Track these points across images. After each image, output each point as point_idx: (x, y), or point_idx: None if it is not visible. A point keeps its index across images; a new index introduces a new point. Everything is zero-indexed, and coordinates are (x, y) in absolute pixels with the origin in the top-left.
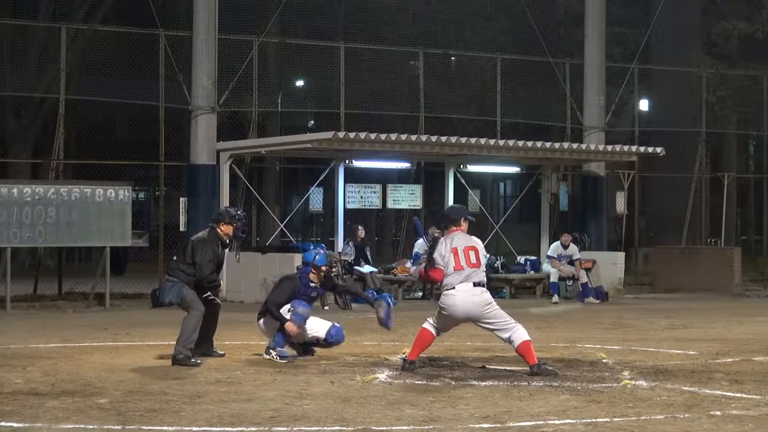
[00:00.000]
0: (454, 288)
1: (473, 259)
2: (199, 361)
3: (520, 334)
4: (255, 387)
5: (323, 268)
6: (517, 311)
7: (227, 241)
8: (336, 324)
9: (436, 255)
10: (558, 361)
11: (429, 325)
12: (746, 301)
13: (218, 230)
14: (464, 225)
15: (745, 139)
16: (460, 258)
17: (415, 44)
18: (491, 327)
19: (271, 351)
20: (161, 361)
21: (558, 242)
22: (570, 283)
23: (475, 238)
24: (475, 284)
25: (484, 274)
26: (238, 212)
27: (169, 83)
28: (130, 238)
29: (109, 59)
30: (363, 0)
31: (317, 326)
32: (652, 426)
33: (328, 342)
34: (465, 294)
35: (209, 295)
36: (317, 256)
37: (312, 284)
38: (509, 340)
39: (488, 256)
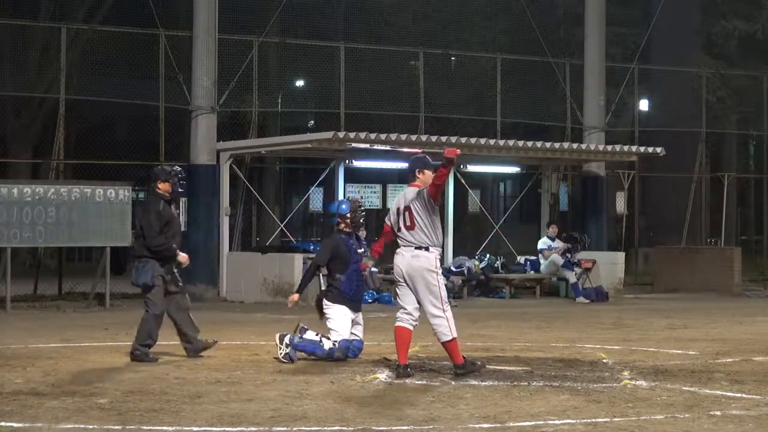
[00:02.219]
0: (400, 247)
1: (407, 221)
2: (156, 358)
3: (446, 330)
4: (255, 387)
5: (348, 215)
6: (515, 311)
7: (169, 197)
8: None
9: (389, 214)
10: (558, 361)
11: (400, 321)
12: (746, 301)
13: (157, 190)
14: (420, 177)
15: (745, 139)
16: (400, 220)
17: (415, 44)
18: (424, 300)
19: (287, 344)
20: (161, 361)
21: (545, 236)
22: (567, 256)
23: (414, 195)
24: (417, 247)
25: (426, 235)
26: (174, 167)
27: (169, 83)
28: (130, 238)
29: (109, 59)
30: (363, 0)
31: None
32: (652, 426)
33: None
34: (406, 255)
35: (173, 290)
36: (341, 205)
37: (351, 238)
38: (434, 330)
39: (488, 255)
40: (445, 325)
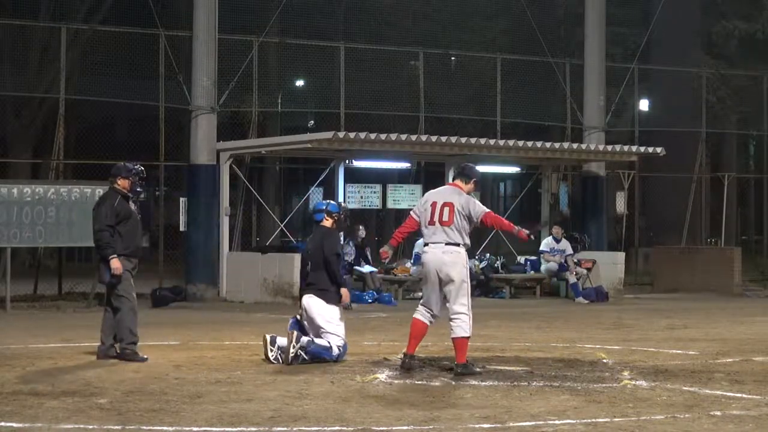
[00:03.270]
0: (427, 245)
1: (445, 216)
2: (146, 357)
3: (465, 326)
4: (255, 387)
5: (335, 214)
6: (515, 311)
7: (128, 194)
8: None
9: (416, 205)
10: (558, 361)
11: (419, 314)
12: (746, 301)
13: (116, 185)
14: (465, 186)
15: (745, 139)
16: (435, 213)
17: (415, 44)
18: (450, 295)
19: (302, 346)
20: (161, 361)
21: (550, 237)
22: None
23: (459, 194)
24: (448, 243)
25: (459, 234)
26: (135, 166)
27: (169, 83)
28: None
29: (109, 59)
30: (363, 0)
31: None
32: (652, 426)
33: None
34: (437, 251)
35: (117, 291)
36: (329, 206)
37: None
38: (452, 323)
39: (488, 255)
40: (466, 321)
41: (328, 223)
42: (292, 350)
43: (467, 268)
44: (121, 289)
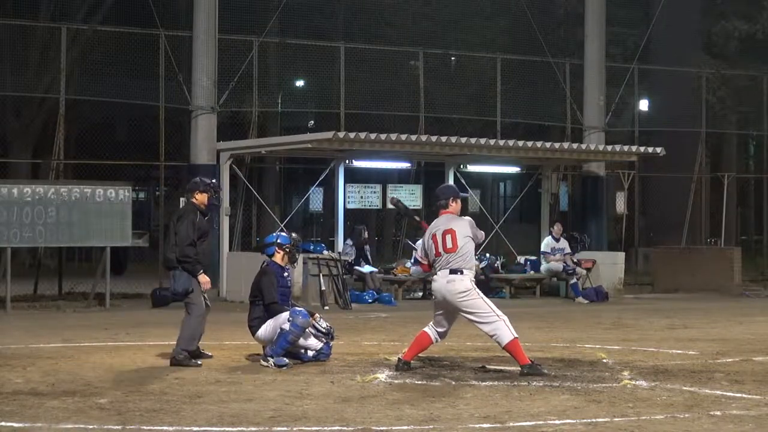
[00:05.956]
0: (436, 274)
1: (449, 244)
2: (199, 362)
3: (504, 332)
4: (255, 387)
5: (286, 246)
6: (515, 311)
7: (205, 210)
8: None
9: (419, 248)
10: (558, 361)
11: (429, 328)
12: (746, 301)
13: (193, 200)
14: (453, 206)
15: (745, 139)
16: (438, 244)
17: (415, 44)
18: (471, 318)
19: (269, 359)
20: (161, 361)
21: (549, 237)
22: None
23: (457, 219)
24: (452, 271)
25: (463, 258)
26: (212, 180)
27: (169, 83)
28: (130, 238)
29: (109, 59)
30: (363, 0)
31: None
32: (652, 426)
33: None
34: (442, 280)
35: (189, 299)
36: (279, 238)
37: (283, 269)
38: (493, 337)
39: (488, 255)
40: (502, 328)
41: (278, 256)
42: (264, 363)
43: (470, 288)
44: (192, 297)
